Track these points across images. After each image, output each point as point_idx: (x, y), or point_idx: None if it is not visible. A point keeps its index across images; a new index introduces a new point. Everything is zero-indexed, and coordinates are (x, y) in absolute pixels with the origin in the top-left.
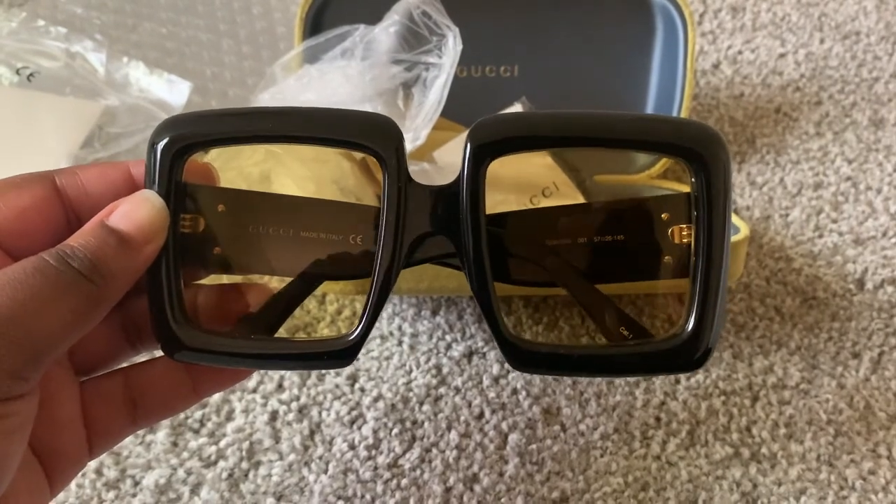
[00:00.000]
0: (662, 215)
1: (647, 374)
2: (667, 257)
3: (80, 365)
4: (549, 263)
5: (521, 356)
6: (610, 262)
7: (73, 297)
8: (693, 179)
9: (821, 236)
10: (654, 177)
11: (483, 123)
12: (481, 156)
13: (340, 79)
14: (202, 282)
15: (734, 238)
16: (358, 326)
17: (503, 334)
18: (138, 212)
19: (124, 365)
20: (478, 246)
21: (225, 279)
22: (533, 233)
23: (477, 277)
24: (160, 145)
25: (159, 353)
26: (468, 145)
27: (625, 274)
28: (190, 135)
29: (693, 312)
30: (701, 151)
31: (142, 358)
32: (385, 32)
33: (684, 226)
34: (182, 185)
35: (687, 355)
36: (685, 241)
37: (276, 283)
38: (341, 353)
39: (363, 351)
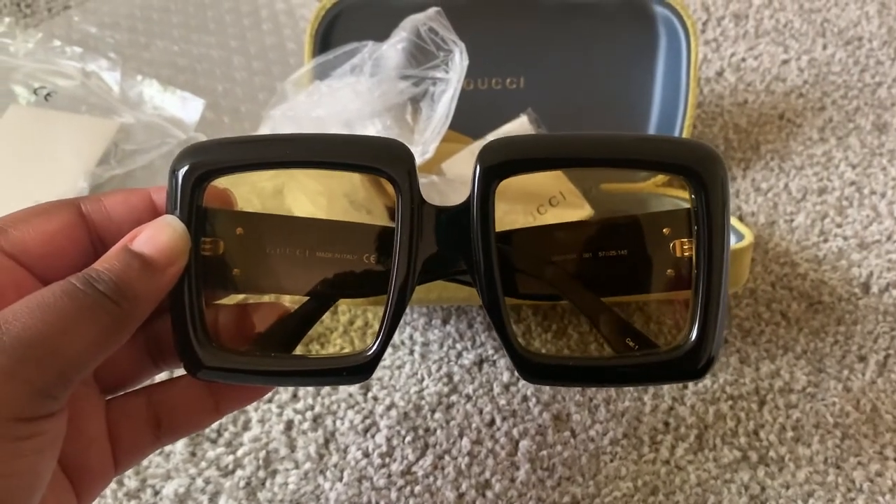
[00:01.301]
0: (664, 230)
1: (652, 383)
2: (669, 270)
3: (105, 383)
4: (555, 278)
5: (531, 368)
6: (614, 276)
7: (100, 318)
8: (693, 196)
9: (826, 241)
10: (659, 185)
11: (491, 147)
12: (490, 177)
13: (350, 95)
14: (222, 301)
15: (739, 245)
16: (375, 343)
17: (515, 348)
18: (161, 236)
19: (147, 384)
20: (489, 264)
21: (247, 299)
22: (539, 249)
23: (488, 294)
24: (181, 172)
25: (180, 371)
26: (478, 167)
27: (629, 287)
28: (209, 162)
29: (696, 323)
30: (699, 169)
31: (164, 376)
32: (393, 49)
33: (685, 240)
34: (202, 209)
35: (691, 364)
36: (686, 254)
37: (291, 301)
38: (359, 369)
39: None
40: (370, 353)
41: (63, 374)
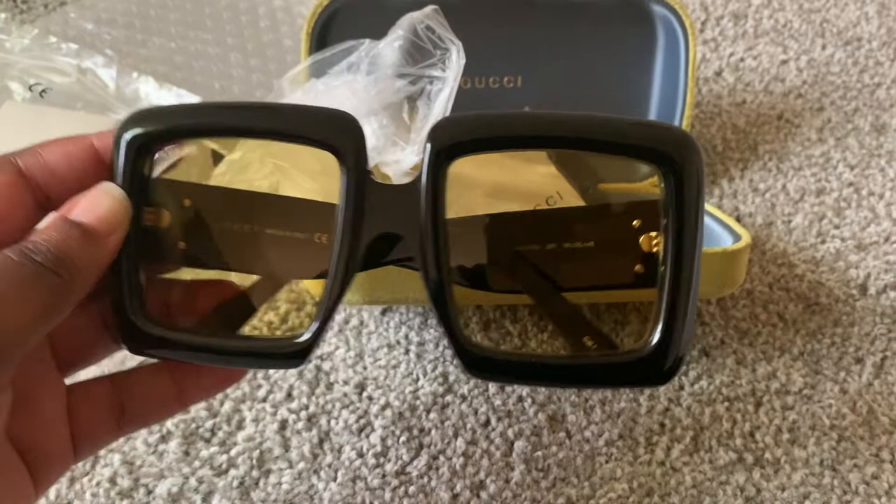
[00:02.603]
0: (633, 222)
1: (610, 386)
2: (637, 266)
3: (63, 360)
4: (515, 269)
5: (475, 362)
6: (578, 270)
7: (39, 290)
8: (663, 184)
9: (823, 242)
10: (657, 184)
11: (443, 124)
12: (442, 158)
13: (346, 93)
14: (170, 277)
15: (736, 245)
16: (310, 328)
17: (458, 340)
18: (100, 204)
19: (115, 371)
20: (436, 247)
21: (196, 275)
22: (500, 237)
23: (432, 279)
24: (124, 139)
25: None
26: (428, 146)
27: (594, 282)
28: (153, 129)
29: (659, 324)
30: (672, 154)
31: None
32: (390, 47)
33: (655, 233)
34: (146, 178)
35: (652, 368)
36: (656, 249)
37: (239, 279)
38: (293, 355)
39: (371, 359)
40: (303, 339)
41: (2, 351)
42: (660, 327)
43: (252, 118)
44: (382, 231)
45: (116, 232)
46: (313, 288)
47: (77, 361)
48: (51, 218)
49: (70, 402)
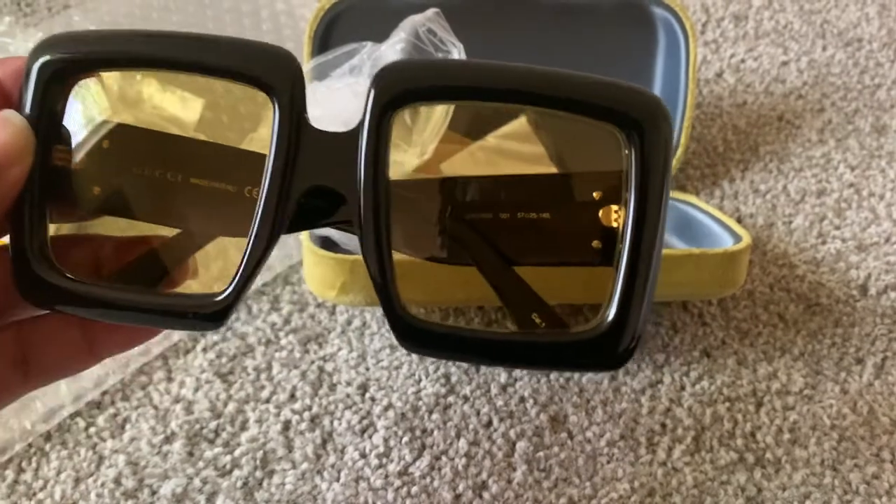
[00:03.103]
0: (594, 194)
1: (558, 367)
2: (595, 241)
3: None
4: (464, 238)
5: (412, 334)
6: (532, 242)
7: None
8: (626, 152)
9: (824, 243)
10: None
11: (389, 68)
12: (385, 105)
13: (349, 95)
14: (83, 225)
15: (737, 246)
16: (229, 286)
17: (395, 310)
18: None
19: (16, 319)
20: (376, 205)
21: (112, 225)
22: (449, 203)
23: (368, 241)
24: (35, 66)
25: None
26: (371, 92)
27: (548, 256)
28: (67, 56)
29: (614, 301)
30: (637, 118)
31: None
32: (392, 49)
33: (616, 207)
34: (59, 112)
35: (605, 349)
36: (616, 224)
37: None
38: (210, 316)
39: (373, 360)
40: (221, 298)
41: None
42: (615, 305)
43: (176, 49)
44: (316, 183)
45: (16, 165)
46: (316, 289)
47: None
48: None
49: None
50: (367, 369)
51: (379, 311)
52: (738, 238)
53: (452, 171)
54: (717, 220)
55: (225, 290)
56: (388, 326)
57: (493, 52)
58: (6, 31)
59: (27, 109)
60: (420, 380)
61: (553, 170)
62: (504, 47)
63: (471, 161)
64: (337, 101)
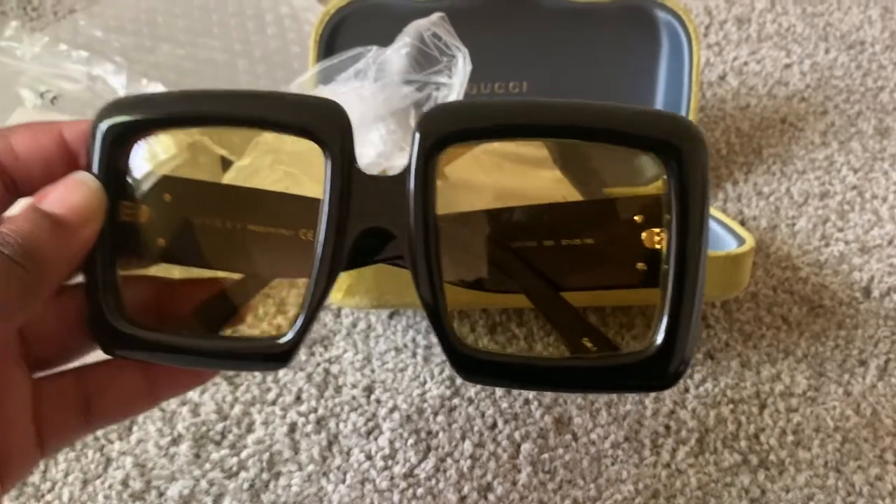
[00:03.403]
0: (635, 217)
1: (611, 390)
2: (639, 264)
3: (36, 359)
4: (511, 268)
5: (468, 365)
6: (577, 268)
7: (5, 283)
8: (666, 177)
9: (827, 245)
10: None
11: (434, 112)
12: (431, 147)
13: (354, 99)
14: (147, 274)
15: (741, 249)
16: (293, 328)
17: (450, 341)
18: (73, 194)
19: (77, 364)
20: (426, 244)
21: (176, 273)
22: (495, 234)
23: (423, 276)
24: (101, 128)
25: None
26: (416, 135)
27: (593, 281)
28: (131, 118)
29: (662, 324)
30: (677, 145)
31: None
32: (397, 54)
33: (658, 229)
34: (124, 170)
35: (656, 371)
36: (659, 245)
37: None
38: (275, 357)
39: (378, 363)
40: (286, 340)
41: None
42: (663, 327)
43: (231, 106)
44: (369, 226)
45: (90, 224)
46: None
47: (50, 361)
48: (22, 206)
49: (36, 398)
50: (373, 371)
51: (384, 314)
52: (741, 241)
53: (456, 174)
54: (720, 223)
55: (289, 331)
56: (391, 330)
57: (497, 56)
58: (13, 36)
59: (95, 168)
60: (425, 382)
61: (557, 173)
62: (509, 51)
63: (475, 164)
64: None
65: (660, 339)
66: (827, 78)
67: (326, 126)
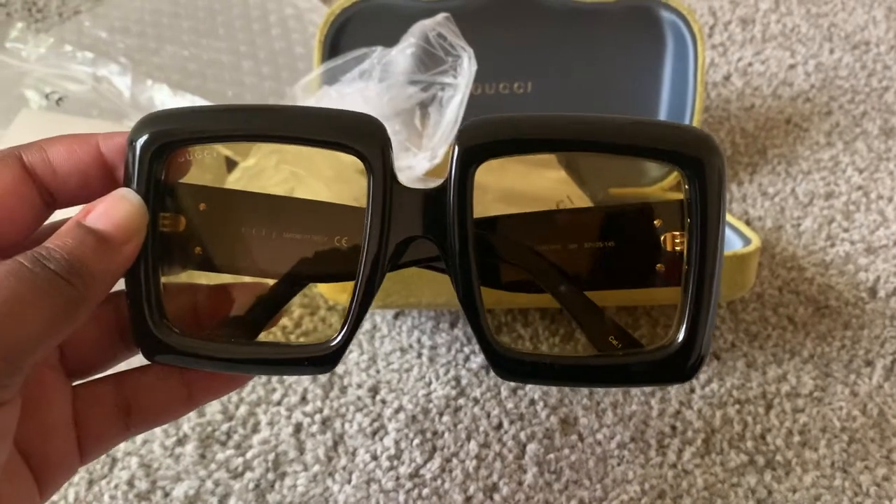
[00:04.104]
0: (655, 221)
1: (636, 384)
2: (659, 265)
3: (73, 367)
4: (539, 269)
5: (506, 364)
6: (601, 269)
7: (51, 299)
8: (686, 185)
9: (832, 245)
10: (667, 189)
11: (470, 127)
12: (469, 159)
13: (359, 100)
14: (186, 282)
15: (746, 249)
16: (340, 332)
17: (489, 342)
18: (116, 210)
19: (117, 370)
20: (464, 250)
21: (212, 280)
22: (523, 237)
23: (462, 282)
24: (139, 143)
25: None
26: (455, 149)
27: (616, 281)
28: (169, 132)
29: (684, 322)
30: (695, 156)
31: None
32: (402, 54)
33: (677, 233)
34: (161, 183)
35: (677, 366)
36: (678, 248)
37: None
38: (322, 360)
39: (384, 363)
40: (334, 343)
41: (12, 361)
42: (685, 324)
43: (274, 122)
44: (410, 234)
45: (133, 239)
46: (328, 292)
47: (87, 368)
48: (66, 223)
49: (76, 405)
50: (378, 372)
51: (389, 314)
52: (747, 241)
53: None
54: (726, 223)
55: (336, 335)
56: (397, 331)
57: (502, 56)
58: (18, 37)
59: (135, 182)
60: (430, 382)
61: (561, 173)
62: (513, 51)
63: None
64: (347, 107)
65: (682, 335)
66: (831, 78)
67: (368, 142)
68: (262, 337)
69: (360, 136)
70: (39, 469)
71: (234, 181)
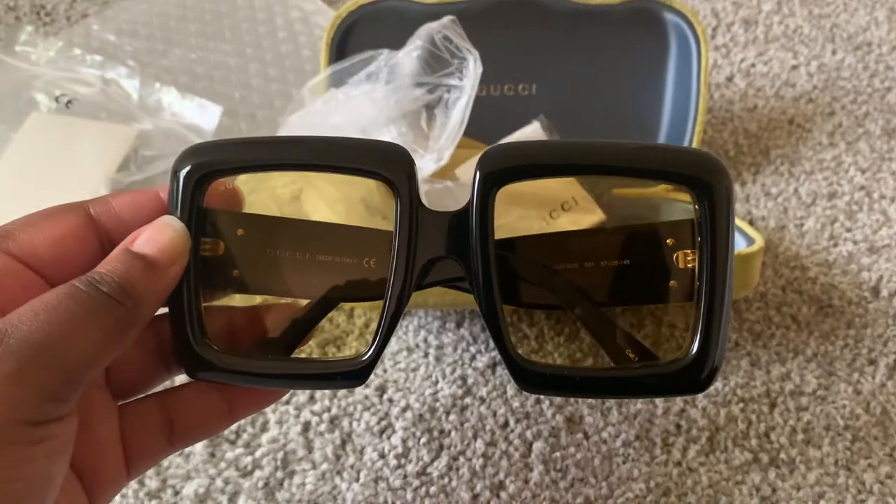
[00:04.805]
0: (668, 240)
1: (652, 395)
2: (672, 282)
3: (117, 388)
4: (557, 287)
5: (528, 378)
6: (616, 286)
7: (104, 319)
8: (696, 206)
9: (835, 245)
10: (670, 189)
11: (491, 153)
12: (490, 184)
13: (366, 102)
14: (224, 303)
15: (750, 249)
16: (371, 348)
17: (512, 357)
18: (161, 236)
19: (159, 389)
20: (487, 270)
21: (251, 301)
22: (541, 257)
23: (486, 301)
24: (182, 173)
25: None
26: (478, 173)
27: (631, 297)
28: (210, 163)
29: (697, 336)
30: (704, 179)
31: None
32: (408, 57)
33: (689, 251)
34: (203, 210)
35: (691, 378)
36: (690, 265)
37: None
38: (354, 374)
39: (391, 362)
40: (365, 358)
41: (70, 376)
42: (698, 338)
43: (308, 153)
44: (435, 255)
45: (177, 263)
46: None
47: (130, 390)
48: (116, 249)
49: (123, 423)
50: (385, 371)
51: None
52: (750, 241)
53: (467, 176)
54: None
55: (367, 351)
56: (403, 330)
57: (507, 58)
58: (28, 41)
59: (178, 209)
60: (437, 381)
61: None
62: (518, 53)
63: None
64: (354, 109)
65: (695, 348)
66: (834, 79)
67: (395, 169)
68: (295, 353)
69: (388, 164)
70: (91, 484)
71: (242, 182)
